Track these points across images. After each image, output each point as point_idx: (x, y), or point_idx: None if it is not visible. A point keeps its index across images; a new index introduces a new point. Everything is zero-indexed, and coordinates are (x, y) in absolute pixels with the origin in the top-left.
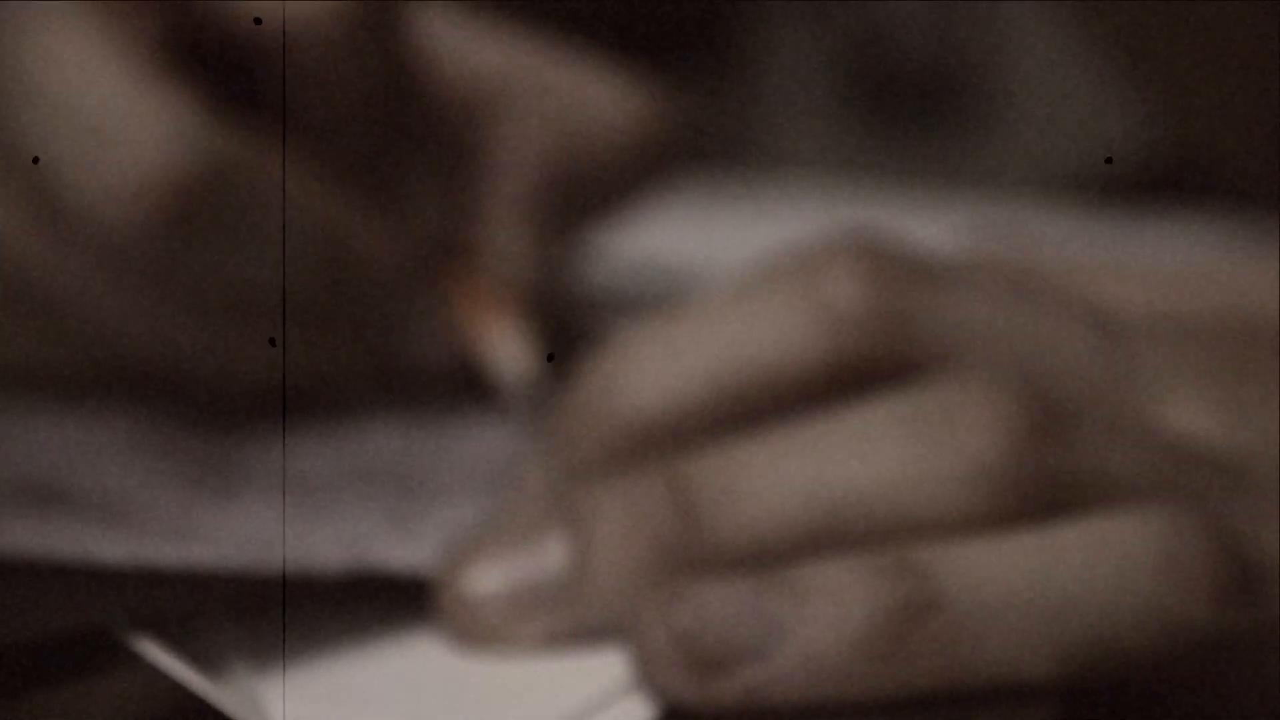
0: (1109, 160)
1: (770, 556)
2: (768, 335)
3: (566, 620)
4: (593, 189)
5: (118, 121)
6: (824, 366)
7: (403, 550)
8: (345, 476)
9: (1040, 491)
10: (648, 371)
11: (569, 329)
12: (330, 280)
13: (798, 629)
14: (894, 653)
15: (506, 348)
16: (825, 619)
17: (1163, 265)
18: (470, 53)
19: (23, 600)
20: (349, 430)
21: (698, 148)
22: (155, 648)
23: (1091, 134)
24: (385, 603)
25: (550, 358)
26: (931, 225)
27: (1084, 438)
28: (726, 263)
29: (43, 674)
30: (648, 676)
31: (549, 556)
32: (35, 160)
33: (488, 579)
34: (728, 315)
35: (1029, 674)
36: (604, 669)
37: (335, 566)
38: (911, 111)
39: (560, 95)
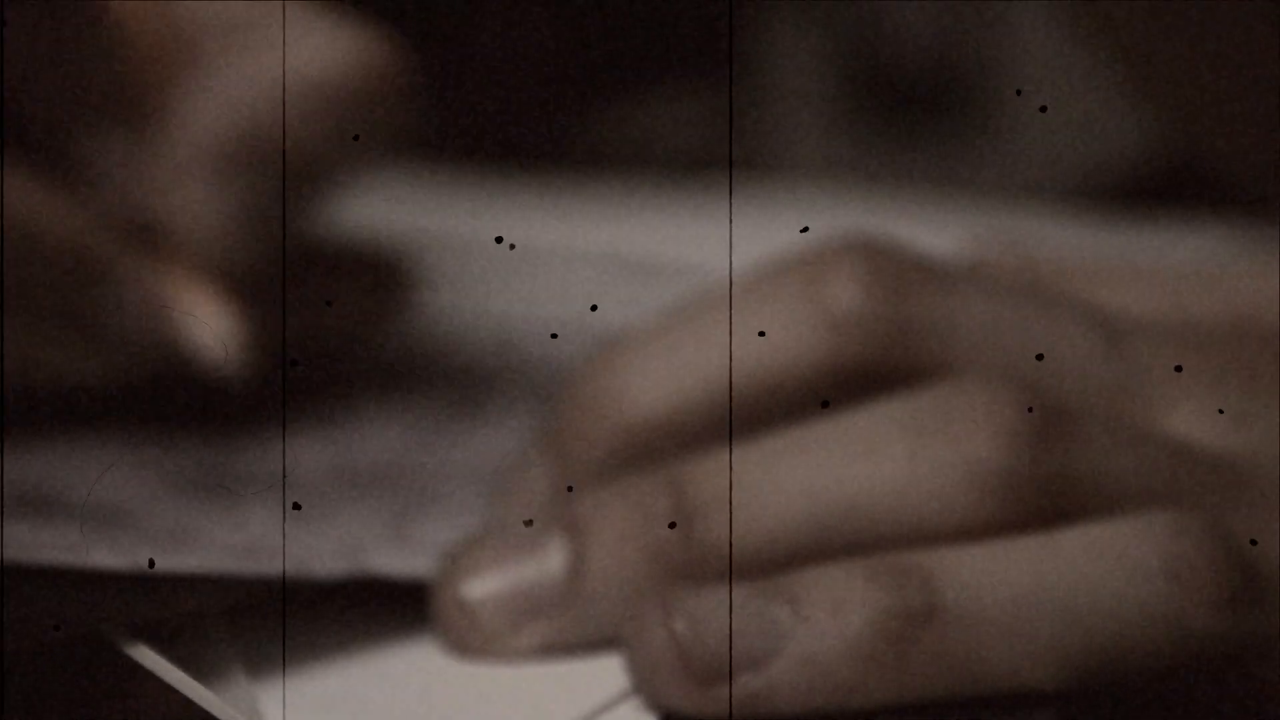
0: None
1: (768, 562)
2: (768, 338)
3: (563, 626)
4: (300, 144)
5: None
6: (823, 369)
7: (401, 556)
8: (343, 482)
9: (1042, 496)
10: (646, 374)
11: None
12: (22, 266)
13: (796, 635)
14: (894, 660)
15: (202, 326)
16: (824, 625)
17: (1165, 269)
18: (172, 7)
19: (21, 607)
20: (348, 435)
21: (700, 151)
22: (154, 654)
23: (1096, 139)
24: (383, 609)
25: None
26: (933, 230)
27: (1086, 442)
28: (727, 267)
29: (41, 681)
30: (645, 683)
31: (546, 562)
32: None
33: (485, 585)
34: (726, 319)
35: (1030, 680)
36: (601, 676)
37: (333, 572)
38: (913, 116)
39: (259, 44)
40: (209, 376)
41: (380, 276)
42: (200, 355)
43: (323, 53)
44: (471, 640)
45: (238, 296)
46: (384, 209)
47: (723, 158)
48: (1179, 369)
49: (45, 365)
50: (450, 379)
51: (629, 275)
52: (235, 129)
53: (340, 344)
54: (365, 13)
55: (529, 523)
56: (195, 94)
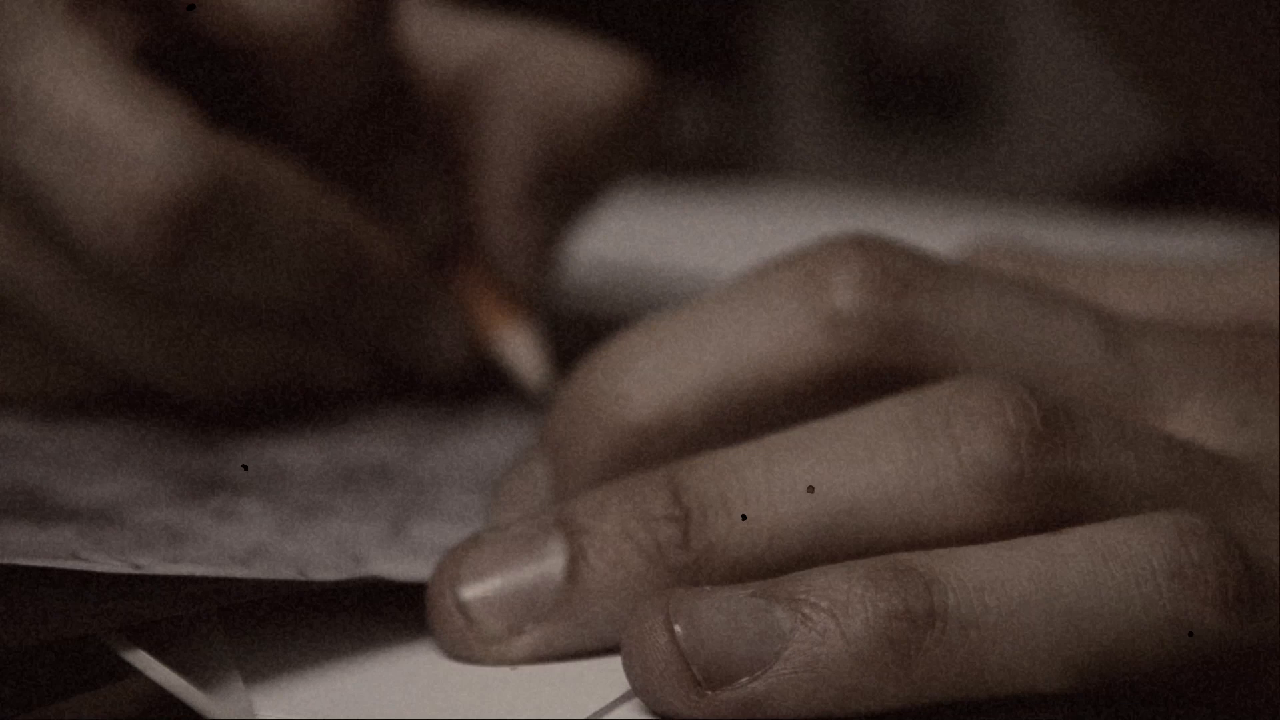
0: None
1: (769, 565)
2: (766, 341)
3: (563, 629)
4: (586, 170)
5: (112, 140)
6: (825, 371)
7: (399, 557)
8: (342, 483)
9: (1045, 497)
10: (645, 376)
11: (566, 333)
12: (342, 288)
13: (798, 639)
14: (896, 664)
15: (518, 349)
16: (825, 629)
17: (1170, 269)
18: (454, 42)
19: (13, 609)
20: (347, 437)
21: (703, 153)
22: (147, 656)
23: (1100, 139)
24: (380, 610)
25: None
26: (937, 232)
27: (1089, 442)
28: (729, 270)
29: (34, 683)
30: (645, 687)
31: (545, 564)
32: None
33: (483, 587)
34: (726, 320)
35: (1034, 684)
36: (601, 679)
37: (331, 574)
38: (917, 117)
39: (546, 75)
40: (526, 394)
41: None
42: (520, 375)
43: (612, 79)
44: (470, 643)
45: (540, 317)
46: None
47: (726, 162)
48: (1184, 369)
49: (319, 375)
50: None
51: (629, 276)
52: (541, 159)
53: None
54: (613, 39)
55: (528, 525)
56: (499, 123)
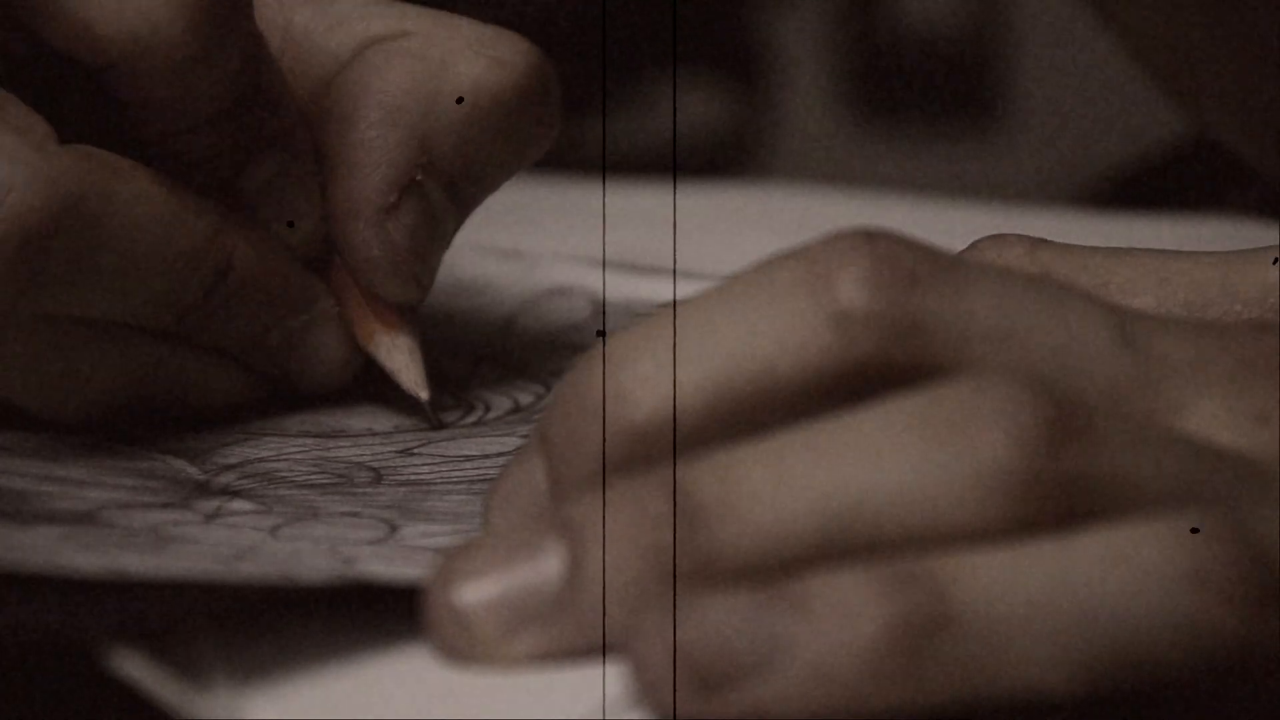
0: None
1: (775, 567)
2: (771, 337)
3: (562, 633)
4: (465, 168)
5: None
6: (831, 368)
7: (391, 559)
8: (333, 485)
9: (1058, 498)
10: (646, 373)
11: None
12: (207, 297)
13: (804, 643)
14: (905, 668)
15: (396, 356)
16: (833, 633)
17: (1186, 260)
18: (331, 38)
19: None
20: (337, 439)
21: (706, 154)
22: (134, 660)
23: (1110, 132)
24: (374, 614)
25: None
26: (944, 229)
27: (1104, 441)
28: (729, 270)
29: (18, 687)
30: (647, 692)
31: (544, 567)
32: None
33: (481, 590)
34: (729, 316)
35: (1047, 688)
36: (601, 684)
37: (323, 577)
38: (922, 113)
39: (417, 70)
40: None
41: None
42: (400, 383)
43: (497, 67)
44: (466, 646)
45: (419, 323)
46: None
47: (726, 157)
48: (1200, 366)
49: (205, 390)
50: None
51: (630, 276)
52: (405, 162)
53: None
54: (507, 28)
55: (526, 527)
56: (361, 125)
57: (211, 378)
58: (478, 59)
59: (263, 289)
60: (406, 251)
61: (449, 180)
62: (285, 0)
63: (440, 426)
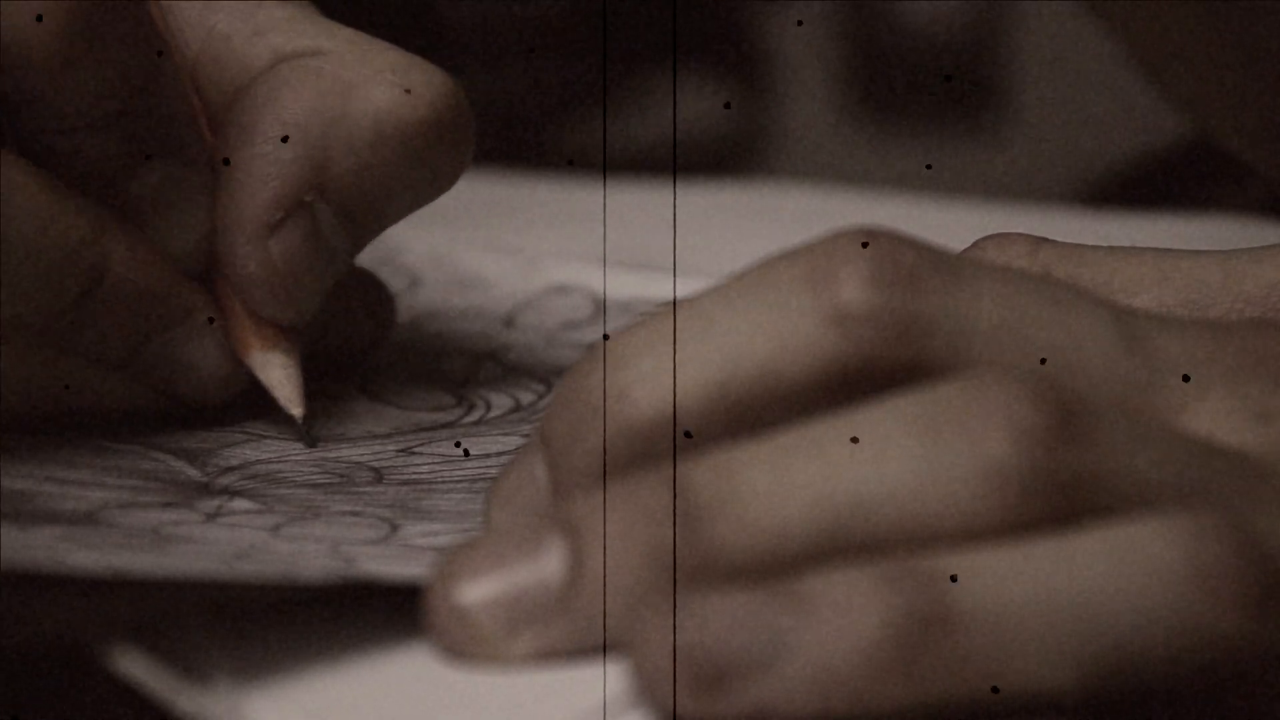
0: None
1: (775, 565)
2: (771, 335)
3: (562, 632)
4: (365, 194)
5: None
6: (832, 367)
7: (392, 558)
8: (335, 484)
9: (1059, 496)
10: (646, 372)
11: None
12: (82, 302)
13: (804, 642)
14: (906, 667)
15: (274, 374)
16: (833, 631)
17: (1187, 258)
18: (242, 46)
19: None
20: (338, 440)
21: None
22: (135, 660)
23: (1111, 131)
24: (375, 613)
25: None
26: (945, 229)
27: (1105, 439)
28: (729, 270)
29: (18, 686)
30: (647, 692)
31: (545, 566)
32: None
33: (481, 589)
34: (730, 314)
35: (1048, 687)
36: (601, 683)
37: (324, 576)
38: (924, 111)
39: (322, 92)
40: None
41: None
42: (278, 400)
43: (407, 94)
44: (467, 645)
45: (295, 338)
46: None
47: (730, 163)
48: (1201, 364)
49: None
50: (445, 380)
51: (629, 277)
52: (295, 185)
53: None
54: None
55: (526, 525)
56: (255, 144)
57: (92, 382)
58: (389, 87)
59: (139, 297)
60: (284, 272)
61: (343, 205)
62: (211, 3)
63: (313, 445)
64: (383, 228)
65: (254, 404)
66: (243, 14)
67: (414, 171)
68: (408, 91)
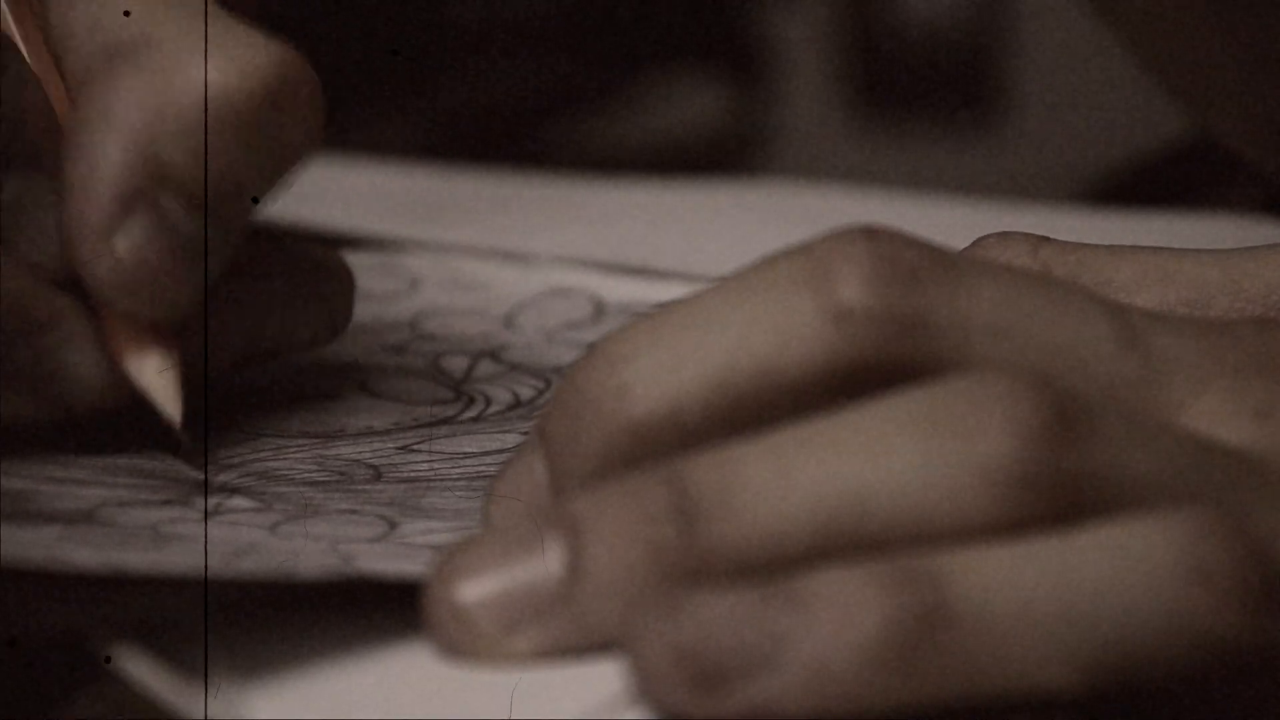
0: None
1: (774, 563)
2: (771, 333)
3: (561, 630)
4: (215, 179)
5: None
6: (831, 365)
7: (390, 556)
8: (334, 482)
9: (1058, 494)
10: (647, 369)
11: None
12: None
13: (803, 641)
14: (905, 666)
15: (151, 379)
16: (832, 630)
17: (1188, 257)
18: (80, 42)
19: None
20: (336, 437)
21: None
22: (134, 657)
23: (1112, 130)
24: (374, 611)
25: None
26: (945, 228)
27: (1104, 438)
28: (729, 269)
29: (18, 685)
30: (646, 690)
31: (544, 563)
32: None
33: (480, 587)
34: (730, 312)
35: (1047, 686)
36: (600, 682)
37: (322, 574)
38: (924, 110)
39: (152, 78)
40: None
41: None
42: (156, 406)
43: (235, 69)
44: (466, 643)
45: (176, 335)
46: (376, 214)
47: (726, 154)
48: (1201, 362)
49: None
50: (444, 377)
51: (630, 276)
52: (129, 176)
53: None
54: (258, 26)
55: (525, 524)
56: (86, 140)
57: None
58: (214, 65)
59: (7, 305)
60: (136, 269)
61: (190, 193)
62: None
63: (190, 450)
64: (247, 208)
65: (253, 403)
66: (90, 9)
67: (258, 146)
68: (233, 65)
